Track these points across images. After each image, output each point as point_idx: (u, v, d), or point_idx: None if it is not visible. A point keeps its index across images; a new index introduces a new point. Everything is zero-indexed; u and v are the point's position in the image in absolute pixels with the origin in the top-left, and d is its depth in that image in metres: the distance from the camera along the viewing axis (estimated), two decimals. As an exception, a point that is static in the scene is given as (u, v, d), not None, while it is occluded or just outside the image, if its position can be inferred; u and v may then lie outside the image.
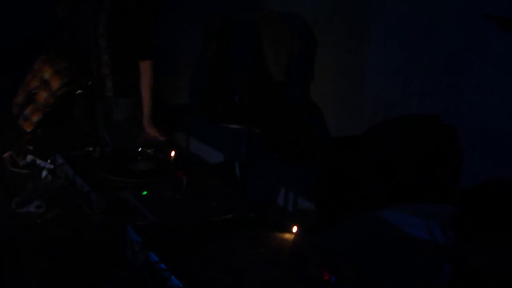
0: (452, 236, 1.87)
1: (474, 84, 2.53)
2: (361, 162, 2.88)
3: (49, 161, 2.25)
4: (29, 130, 2.76)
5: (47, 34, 3.74)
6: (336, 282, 1.33)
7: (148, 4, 2.90)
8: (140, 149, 2.23)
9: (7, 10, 4.11)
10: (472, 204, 2.08)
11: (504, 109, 2.44)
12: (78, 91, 2.90)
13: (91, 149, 2.17)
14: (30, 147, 2.40)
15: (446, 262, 1.80)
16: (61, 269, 1.55)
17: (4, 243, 1.72)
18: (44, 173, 2.15)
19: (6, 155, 2.33)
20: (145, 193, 1.81)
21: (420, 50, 2.75)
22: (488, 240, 1.78)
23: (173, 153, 2.18)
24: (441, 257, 1.83)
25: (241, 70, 3.57)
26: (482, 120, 2.52)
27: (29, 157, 2.29)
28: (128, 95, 3.00)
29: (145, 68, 2.93)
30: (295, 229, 1.56)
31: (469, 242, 1.81)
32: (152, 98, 2.95)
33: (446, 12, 2.61)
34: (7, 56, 3.73)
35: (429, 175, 2.67)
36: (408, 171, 2.73)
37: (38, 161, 2.27)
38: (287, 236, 1.55)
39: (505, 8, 2.36)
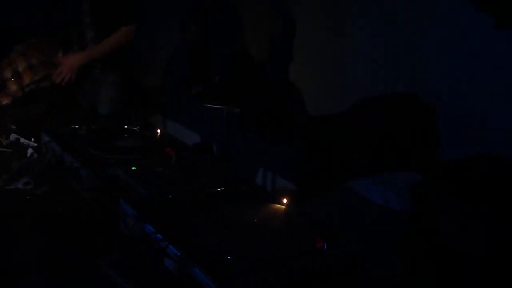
0: (409, 202, 2.00)
1: (454, 65, 2.60)
2: (342, 140, 2.95)
3: (33, 139, 2.25)
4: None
5: (25, 18, 3.67)
6: (328, 249, 1.38)
7: None
8: (126, 127, 2.25)
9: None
10: (439, 173, 2.20)
11: (480, 89, 2.51)
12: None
13: (77, 126, 2.17)
14: (13, 126, 2.39)
15: (401, 225, 1.91)
16: (57, 245, 1.56)
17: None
18: (29, 151, 2.14)
19: (-12, 134, 2.32)
20: (134, 168, 1.83)
21: (401, 30, 2.80)
22: (453, 206, 1.89)
23: (159, 131, 2.21)
24: (394, 221, 1.94)
25: (221, 50, 3.58)
26: (460, 100, 2.59)
27: (13, 136, 2.29)
28: (116, 70, 3.01)
29: (127, 32, 2.95)
30: (285, 200, 1.61)
31: (434, 207, 1.93)
32: (103, 53, 2.97)
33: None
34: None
35: (407, 151, 2.75)
36: (386, 147, 2.81)
37: (22, 140, 2.27)
38: (278, 207, 1.59)
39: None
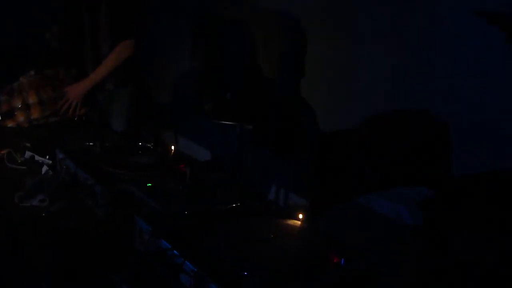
0: (421, 218, 2.00)
1: (464, 80, 2.59)
2: (353, 155, 2.94)
3: (47, 156, 2.27)
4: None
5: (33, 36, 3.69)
6: (345, 265, 1.37)
7: None
8: (140, 143, 2.26)
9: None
10: (450, 188, 2.20)
11: (492, 104, 2.51)
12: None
13: (91, 143, 2.19)
14: (28, 144, 2.41)
15: (413, 240, 1.91)
16: (72, 261, 1.57)
17: (10, 237, 1.73)
18: (44, 168, 2.16)
19: (3, 152, 2.34)
20: (149, 185, 1.84)
21: (412, 46, 2.81)
22: (463, 221, 1.89)
23: (172, 147, 2.22)
24: (408, 236, 1.94)
25: (232, 67, 3.60)
26: (471, 114, 2.58)
27: (28, 154, 2.31)
28: (129, 85, 3.03)
29: (126, 46, 2.94)
30: (301, 216, 1.60)
31: (445, 222, 1.92)
32: (106, 74, 2.96)
33: (436, 8, 2.67)
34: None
35: (418, 166, 2.75)
36: (397, 162, 2.80)
37: (37, 157, 2.29)
38: (293, 222, 1.59)
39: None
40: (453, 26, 2.61)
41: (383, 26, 2.94)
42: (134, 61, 3.02)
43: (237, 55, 3.59)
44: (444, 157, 2.70)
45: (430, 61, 2.73)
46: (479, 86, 2.54)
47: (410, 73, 2.83)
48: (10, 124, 2.81)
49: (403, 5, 2.82)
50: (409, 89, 2.86)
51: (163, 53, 4.47)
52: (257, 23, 3.38)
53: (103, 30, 2.97)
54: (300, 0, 3.37)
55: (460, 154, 2.64)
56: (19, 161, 2.29)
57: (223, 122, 3.31)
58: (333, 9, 3.20)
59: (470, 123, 2.57)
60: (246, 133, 3.45)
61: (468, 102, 2.59)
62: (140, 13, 3.07)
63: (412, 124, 2.87)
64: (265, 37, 3.37)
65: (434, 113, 2.73)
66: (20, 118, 2.80)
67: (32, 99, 2.82)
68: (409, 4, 2.79)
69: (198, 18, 3.86)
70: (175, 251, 1.38)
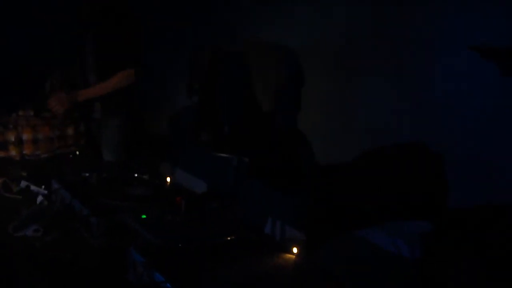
0: (420, 252, 1.99)
1: (461, 115, 2.61)
2: (350, 188, 2.94)
3: (43, 186, 2.26)
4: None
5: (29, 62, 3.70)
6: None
7: (133, 15, 2.97)
8: (136, 175, 2.26)
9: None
10: (448, 223, 2.19)
11: (489, 137, 2.52)
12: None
13: (87, 174, 2.18)
14: (24, 173, 2.40)
15: (413, 275, 1.90)
16: (63, 292, 1.55)
17: (3, 267, 1.71)
18: (39, 198, 2.15)
19: (-1, 181, 2.34)
20: (144, 216, 1.83)
21: (408, 80, 2.84)
22: (461, 257, 1.88)
23: (168, 179, 2.22)
24: (407, 271, 1.93)
25: (229, 100, 3.62)
26: (468, 148, 2.59)
27: (23, 183, 2.30)
28: (117, 115, 3.02)
29: (125, 76, 2.94)
30: (295, 250, 1.59)
31: (444, 258, 1.91)
32: (98, 95, 2.95)
33: (431, 42, 2.71)
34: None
35: (416, 199, 2.74)
36: (395, 195, 2.80)
37: (32, 187, 2.28)
38: (288, 256, 1.58)
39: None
40: (450, 61, 2.65)
41: (381, 61, 2.97)
42: (124, 91, 3.00)
43: (235, 87, 3.61)
44: (442, 191, 2.70)
45: (427, 95, 2.75)
46: (476, 120, 2.55)
47: (407, 107, 2.86)
48: (2, 154, 2.80)
49: (401, 40, 2.86)
50: (407, 123, 2.87)
51: (161, 85, 4.50)
52: (255, 56, 3.42)
53: (89, 58, 2.95)
54: (297, 34, 3.41)
55: (458, 187, 2.64)
56: (15, 190, 2.28)
57: (220, 154, 3.31)
58: (330, 42, 3.23)
59: (468, 157, 2.58)
60: (243, 166, 3.44)
61: (465, 135, 2.61)
62: (141, 44, 3.08)
63: (409, 157, 2.87)
64: (264, 70, 3.40)
65: (431, 147, 2.74)
66: (12, 152, 2.78)
67: (27, 136, 2.80)
68: (407, 40, 2.83)
69: (196, 51, 3.90)
70: (168, 284, 1.36)
